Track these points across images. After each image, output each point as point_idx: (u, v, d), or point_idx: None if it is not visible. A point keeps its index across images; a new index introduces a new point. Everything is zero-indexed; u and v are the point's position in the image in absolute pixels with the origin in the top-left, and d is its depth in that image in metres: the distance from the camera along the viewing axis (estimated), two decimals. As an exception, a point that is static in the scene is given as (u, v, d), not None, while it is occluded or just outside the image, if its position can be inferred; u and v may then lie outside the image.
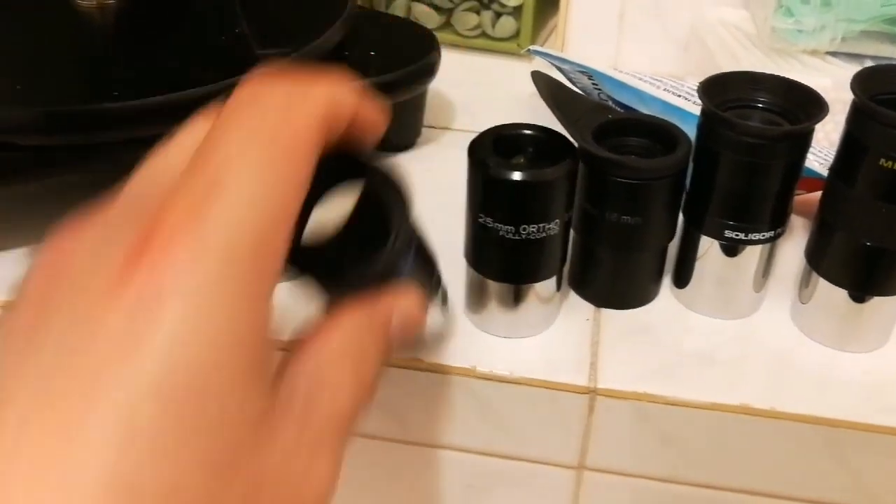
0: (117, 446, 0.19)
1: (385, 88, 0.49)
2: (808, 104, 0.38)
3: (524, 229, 0.36)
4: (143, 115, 0.42)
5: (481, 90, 0.61)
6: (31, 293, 0.23)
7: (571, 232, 0.40)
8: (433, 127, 0.56)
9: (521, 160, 0.38)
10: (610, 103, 0.53)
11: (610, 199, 0.39)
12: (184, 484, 0.20)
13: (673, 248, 0.43)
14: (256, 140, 0.23)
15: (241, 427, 0.22)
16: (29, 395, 0.20)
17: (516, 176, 0.35)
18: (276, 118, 0.24)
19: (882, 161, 0.35)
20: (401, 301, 0.30)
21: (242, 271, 0.22)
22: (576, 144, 0.38)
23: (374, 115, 0.28)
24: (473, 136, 0.38)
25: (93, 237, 0.23)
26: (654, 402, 0.38)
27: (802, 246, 0.42)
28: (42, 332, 0.21)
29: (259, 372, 0.23)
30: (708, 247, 0.41)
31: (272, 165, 0.23)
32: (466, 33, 0.65)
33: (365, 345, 0.28)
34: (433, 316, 0.38)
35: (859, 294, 0.39)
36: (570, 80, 0.57)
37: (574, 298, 0.43)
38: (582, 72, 0.54)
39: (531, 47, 0.58)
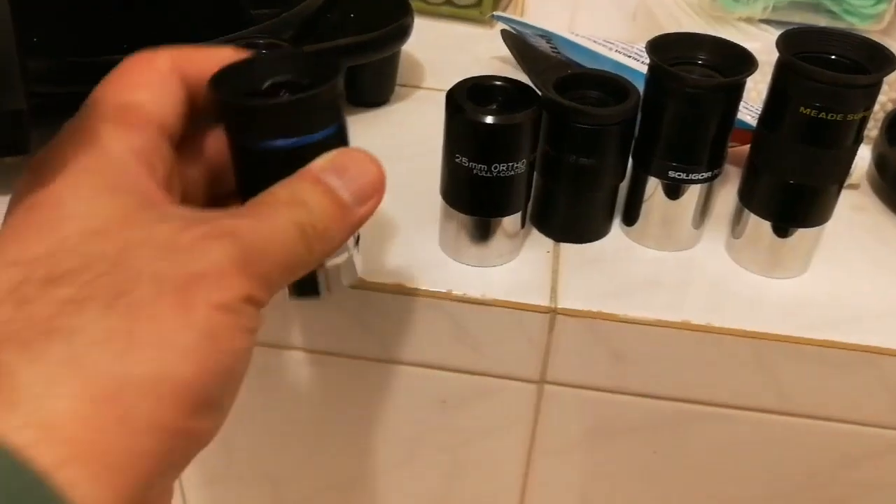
0: None
1: (363, 48, 0.54)
2: (741, 61, 0.43)
3: (495, 168, 0.42)
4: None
5: (448, 53, 0.66)
6: None
7: (535, 175, 0.45)
8: (405, 85, 0.62)
9: (493, 107, 0.43)
10: (566, 64, 0.58)
11: (569, 143, 0.44)
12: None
13: (622, 191, 0.48)
14: None
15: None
16: None
17: (489, 119, 0.41)
18: None
19: (802, 108, 0.41)
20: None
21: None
22: (540, 94, 0.43)
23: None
24: (441, 94, 0.43)
25: None
26: (606, 319, 0.44)
27: (735, 191, 0.47)
28: None
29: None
30: (654, 188, 0.46)
31: None
32: (433, 1, 0.70)
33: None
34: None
35: (783, 226, 0.45)
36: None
37: (536, 235, 0.49)
38: (541, 35, 0.59)
39: (494, 13, 0.63)
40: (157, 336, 0.25)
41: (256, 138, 0.32)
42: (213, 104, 0.33)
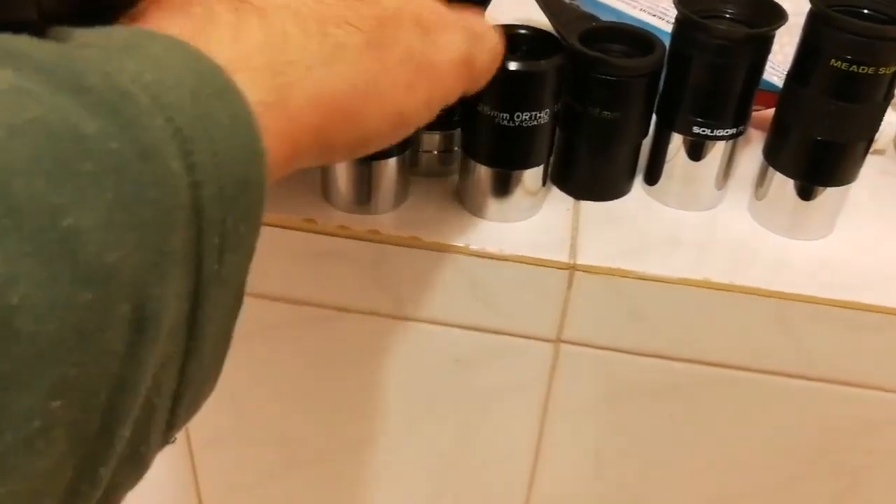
0: None
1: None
2: (769, 14, 0.43)
3: (518, 116, 0.41)
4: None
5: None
6: None
7: (557, 130, 0.45)
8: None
9: (517, 55, 0.42)
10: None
11: (593, 95, 0.43)
12: None
13: (645, 151, 0.48)
14: None
15: None
16: None
17: (513, 66, 0.40)
18: None
19: (833, 61, 0.40)
20: None
21: None
22: (565, 45, 0.42)
23: None
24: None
25: None
26: (626, 276, 0.43)
27: (760, 157, 0.47)
28: None
29: None
30: (678, 146, 0.46)
31: None
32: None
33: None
34: None
35: (809, 185, 0.44)
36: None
37: (556, 193, 0.48)
38: (564, -5, 0.58)
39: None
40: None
41: None
42: None
